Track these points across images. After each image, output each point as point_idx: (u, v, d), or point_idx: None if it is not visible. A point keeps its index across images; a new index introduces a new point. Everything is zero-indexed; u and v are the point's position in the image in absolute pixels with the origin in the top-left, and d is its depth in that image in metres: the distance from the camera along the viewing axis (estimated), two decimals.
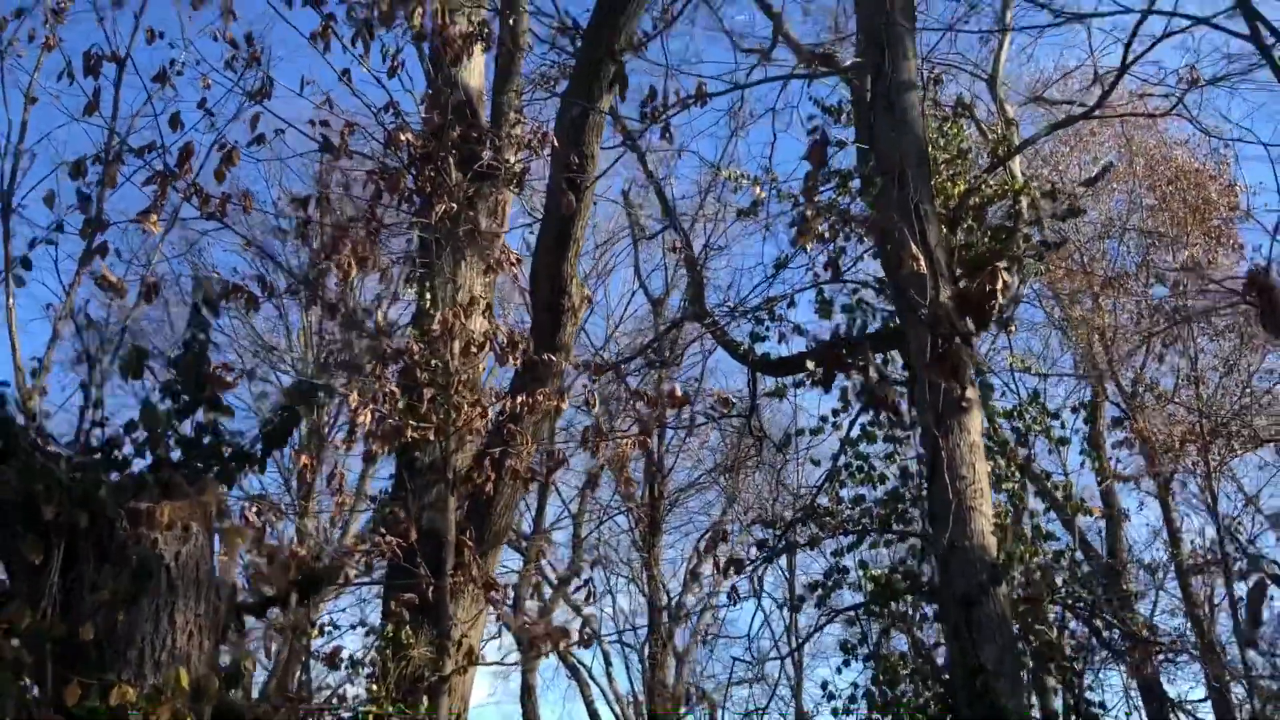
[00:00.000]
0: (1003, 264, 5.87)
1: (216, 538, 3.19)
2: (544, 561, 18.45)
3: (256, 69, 6.88)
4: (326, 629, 7.89)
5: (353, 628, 8.22)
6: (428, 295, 7.78)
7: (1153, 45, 7.33)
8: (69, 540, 2.91)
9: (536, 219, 10.08)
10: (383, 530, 6.34)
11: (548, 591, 18.49)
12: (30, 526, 2.86)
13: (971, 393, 3.38)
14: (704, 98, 6.04)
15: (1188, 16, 6.69)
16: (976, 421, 3.46)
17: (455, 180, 7.17)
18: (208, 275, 4.93)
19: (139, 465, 3.24)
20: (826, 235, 9.04)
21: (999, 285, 3.47)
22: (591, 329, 18.32)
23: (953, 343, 3.29)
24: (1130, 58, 7.16)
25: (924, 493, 9.13)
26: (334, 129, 7.06)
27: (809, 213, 5.91)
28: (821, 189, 9.83)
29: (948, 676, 8.32)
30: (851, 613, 9.58)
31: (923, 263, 3.60)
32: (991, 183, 9.49)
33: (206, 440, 3.33)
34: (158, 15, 6.11)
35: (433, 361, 6.74)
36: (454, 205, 6.92)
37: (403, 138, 6.88)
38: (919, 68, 6.19)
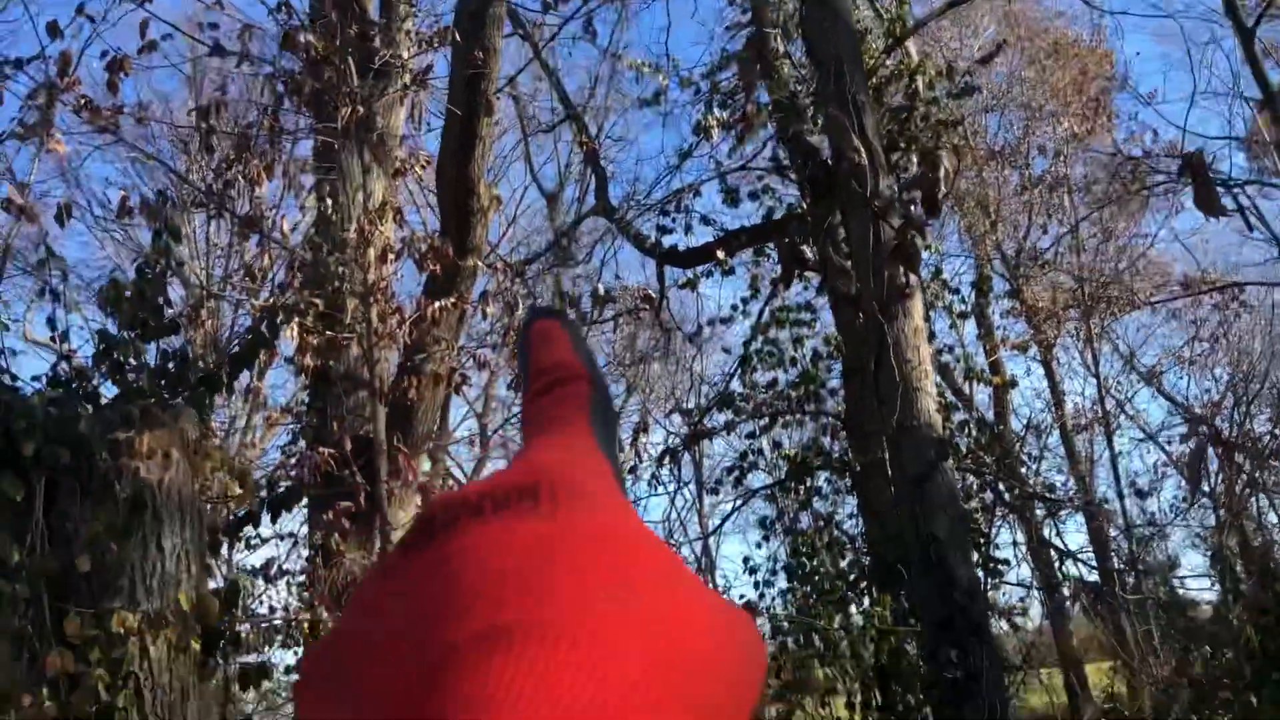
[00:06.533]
0: (941, 149, 5.98)
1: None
2: (449, 463, 18.44)
3: None
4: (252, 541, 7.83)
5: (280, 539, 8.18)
6: (327, 201, 7.58)
7: None
8: (49, 476, 2.86)
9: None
10: (314, 443, 6.30)
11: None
12: (9, 465, 2.80)
13: (914, 278, 3.52)
14: None
15: None
16: (919, 306, 3.61)
17: (356, 82, 6.93)
18: (168, 197, 4.71)
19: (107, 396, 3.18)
20: (729, 122, 9.08)
21: (941, 173, 3.58)
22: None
23: (907, 233, 3.40)
24: None
25: (836, 372, 9.51)
26: (224, 31, 6.75)
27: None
28: (720, 75, 9.85)
29: (868, 548, 8.76)
30: (768, 491, 9.93)
31: (864, 153, 3.68)
32: (889, 63, 9.60)
33: (172, 366, 3.27)
34: None
35: (343, 269, 6.61)
36: (359, 109, 6.69)
37: (301, 39, 6.60)
38: None
